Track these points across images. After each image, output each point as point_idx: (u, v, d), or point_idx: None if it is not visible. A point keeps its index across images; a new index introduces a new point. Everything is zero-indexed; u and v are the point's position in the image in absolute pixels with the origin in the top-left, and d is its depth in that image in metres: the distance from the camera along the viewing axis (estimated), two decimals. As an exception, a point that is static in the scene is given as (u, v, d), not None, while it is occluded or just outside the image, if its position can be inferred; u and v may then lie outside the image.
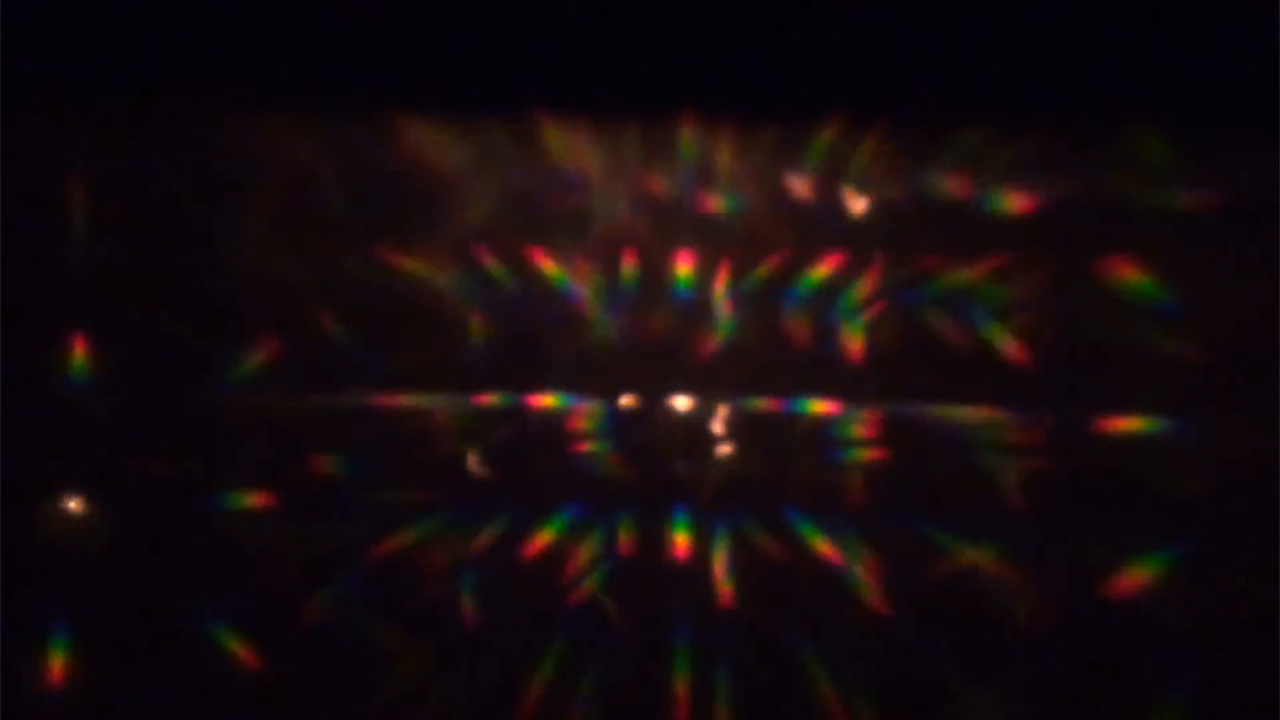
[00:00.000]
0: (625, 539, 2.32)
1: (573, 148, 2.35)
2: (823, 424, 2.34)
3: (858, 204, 2.33)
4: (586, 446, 2.35)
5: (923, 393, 2.32)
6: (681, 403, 2.36)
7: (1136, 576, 2.26)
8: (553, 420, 2.35)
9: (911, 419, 2.32)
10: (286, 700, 2.28)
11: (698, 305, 2.35)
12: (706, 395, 2.35)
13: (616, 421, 2.35)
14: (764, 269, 2.34)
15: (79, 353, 2.32)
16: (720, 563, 2.32)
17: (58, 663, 2.27)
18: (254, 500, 2.32)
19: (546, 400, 2.35)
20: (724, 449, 2.35)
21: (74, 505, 2.31)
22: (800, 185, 2.34)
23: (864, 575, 2.29)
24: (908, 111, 2.28)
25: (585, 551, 2.31)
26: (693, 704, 2.27)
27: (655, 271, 2.35)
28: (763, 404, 2.35)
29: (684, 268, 2.35)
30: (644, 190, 2.35)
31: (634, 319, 2.36)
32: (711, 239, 2.35)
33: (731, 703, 2.27)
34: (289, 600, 2.28)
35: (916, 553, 2.28)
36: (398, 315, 2.34)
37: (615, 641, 2.29)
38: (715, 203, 2.35)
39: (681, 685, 2.28)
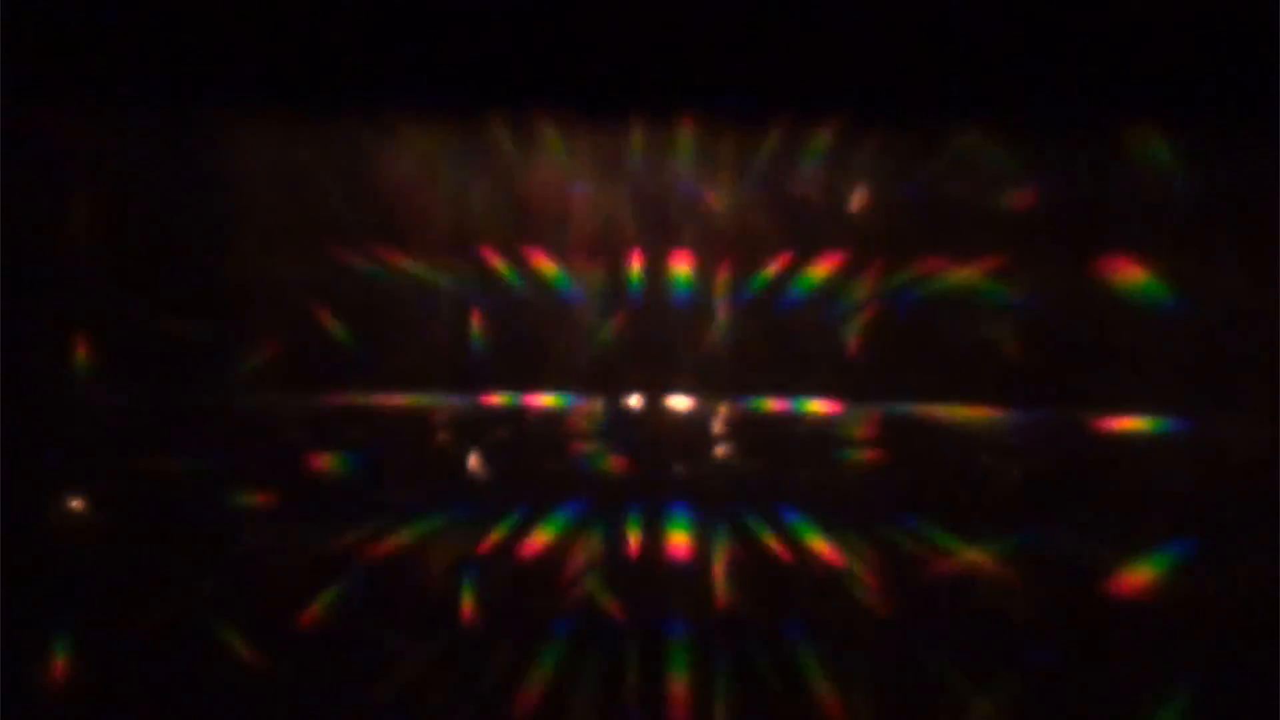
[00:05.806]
0: (625, 538, 2.32)
1: (573, 148, 2.35)
2: (823, 424, 2.34)
3: (857, 203, 2.34)
4: (586, 446, 2.35)
5: (923, 393, 2.32)
6: (681, 403, 2.36)
7: (1136, 576, 2.25)
8: (553, 420, 2.35)
9: (911, 419, 2.32)
10: (287, 700, 2.28)
11: (698, 305, 2.35)
12: (706, 395, 2.35)
13: (616, 421, 2.35)
14: (764, 269, 2.34)
15: (80, 353, 2.32)
16: (720, 563, 2.31)
17: (59, 663, 2.27)
18: (254, 500, 2.32)
19: (546, 400, 2.35)
20: (724, 449, 2.35)
21: (75, 505, 2.31)
22: (800, 185, 2.34)
23: (864, 575, 2.29)
24: (908, 111, 2.28)
25: (585, 551, 2.31)
26: (693, 704, 2.27)
27: (655, 271, 2.36)
28: (763, 404, 2.35)
29: (684, 268, 2.35)
30: (644, 190, 2.35)
31: (634, 319, 2.36)
32: (711, 239, 2.35)
33: (731, 703, 2.27)
34: (289, 600, 2.28)
35: (916, 553, 2.28)
36: (398, 315, 2.34)
37: (615, 641, 2.29)
38: (715, 203, 2.35)
39: (681, 685, 2.28)
